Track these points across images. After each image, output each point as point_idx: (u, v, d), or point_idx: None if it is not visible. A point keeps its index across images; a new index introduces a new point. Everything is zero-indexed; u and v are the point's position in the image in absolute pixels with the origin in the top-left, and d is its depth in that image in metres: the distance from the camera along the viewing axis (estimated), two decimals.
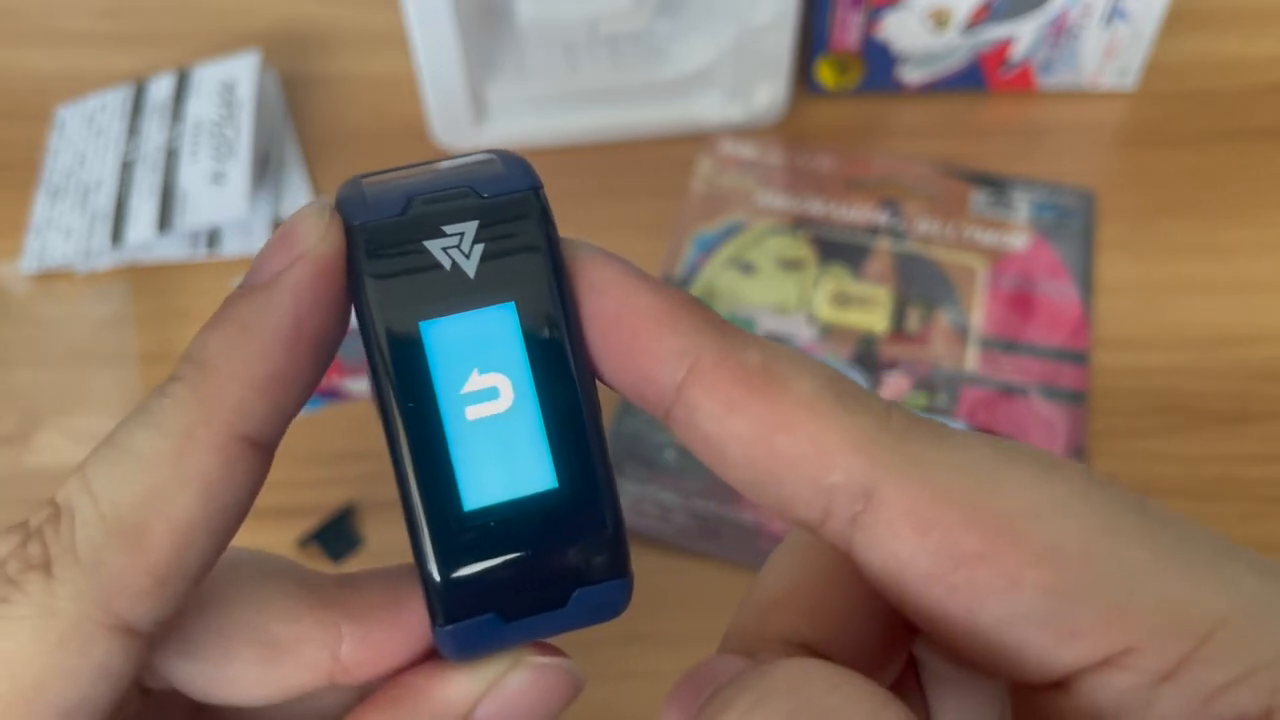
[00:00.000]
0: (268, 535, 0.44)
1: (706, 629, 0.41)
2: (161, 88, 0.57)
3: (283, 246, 0.17)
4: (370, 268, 0.17)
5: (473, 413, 0.17)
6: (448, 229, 0.17)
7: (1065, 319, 0.49)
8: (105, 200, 0.53)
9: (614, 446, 0.46)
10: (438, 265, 0.17)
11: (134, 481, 0.16)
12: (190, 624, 0.19)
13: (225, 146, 0.54)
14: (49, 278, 0.52)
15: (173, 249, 0.52)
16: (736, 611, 0.19)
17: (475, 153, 0.19)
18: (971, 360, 0.48)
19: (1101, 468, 0.46)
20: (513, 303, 0.17)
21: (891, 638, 0.19)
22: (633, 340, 0.17)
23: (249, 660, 0.19)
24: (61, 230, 0.53)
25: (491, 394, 0.17)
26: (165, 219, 0.52)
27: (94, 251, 0.52)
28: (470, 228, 0.17)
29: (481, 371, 0.17)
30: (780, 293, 0.50)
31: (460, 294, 0.17)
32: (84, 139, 0.56)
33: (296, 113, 0.58)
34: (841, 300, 0.50)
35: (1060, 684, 0.16)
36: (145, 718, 0.20)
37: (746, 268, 0.51)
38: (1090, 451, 0.46)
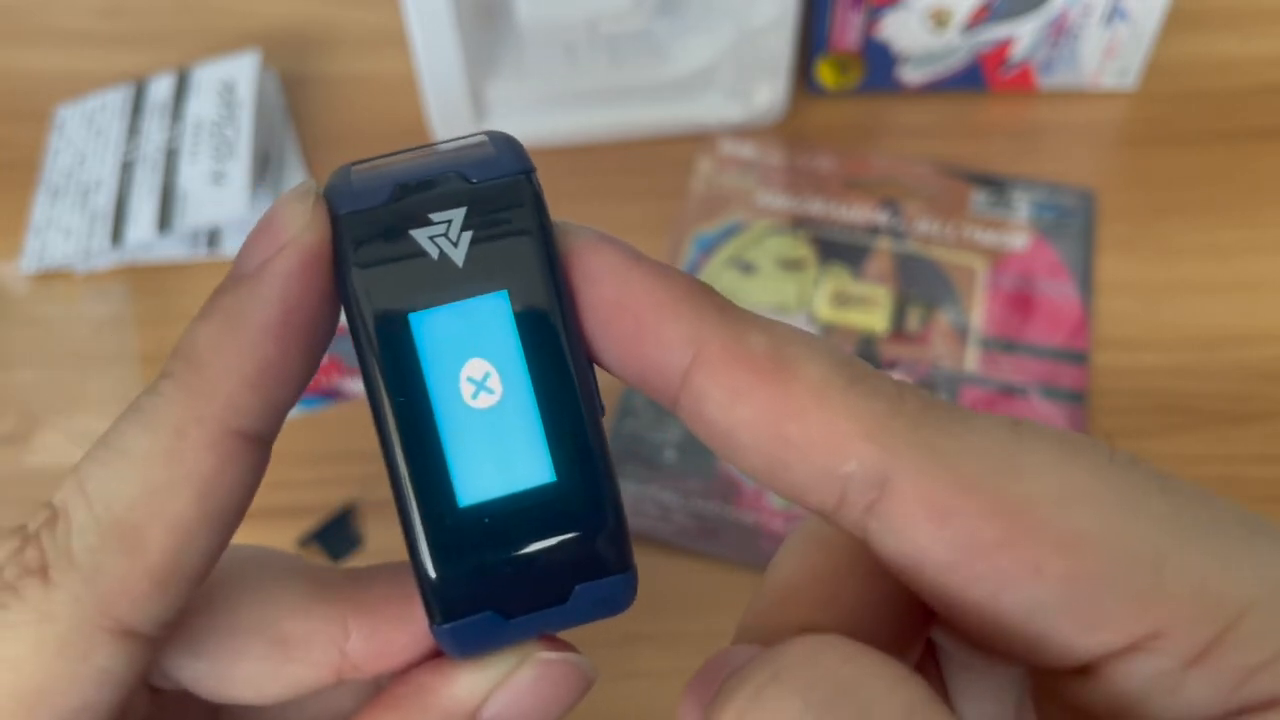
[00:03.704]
0: (268, 535, 0.44)
1: (706, 629, 0.41)
2: (161, 88, 0.57)
3: (267, 235, 0.17)
4: (355, 258, 0.16)
5: (466, 406, 0.17)
6: (435, 216, 0.17)
7: (1065, 319, 0.49)
8: (105, 200, 0.53)
9: (614, 446, 0.46)
10: (424, 254, 0.17)
11: (128, 483, 0.16)
12: (198, 622, 0.18)
13: (225, 146, 0.54)
14: (49, 278, 0.52)
15: (173, 249, 0.52)
16: (751, 603, 0.18)
17: (470, 134, 0.18)
18: (971, 360, 0.48)
19: None
20: (505, 291, 0.17)
21: (910, 624, 0.18)
22: (635, 329, 0.17)
23: (258, 657, 0.18)
24: (61, 230, 0.53)
25: (485, 386, 0.17)
26: (165, 219, 0.52)
27: (94, 251, 0.52)
28: (458, 215, 0.17)
29: (474, 363, 0.17)
30: (780, 293, 0.50)
31: (448, 284, 0.17)
32: (84, 139, 0.56)
33: (296, 113, 0.58)
34: (841, 300, 0.50)
35: (1084, 669, 0.16)
36: (157, 719, 0.19)
37: (746, 268, 0.51)
38: None
